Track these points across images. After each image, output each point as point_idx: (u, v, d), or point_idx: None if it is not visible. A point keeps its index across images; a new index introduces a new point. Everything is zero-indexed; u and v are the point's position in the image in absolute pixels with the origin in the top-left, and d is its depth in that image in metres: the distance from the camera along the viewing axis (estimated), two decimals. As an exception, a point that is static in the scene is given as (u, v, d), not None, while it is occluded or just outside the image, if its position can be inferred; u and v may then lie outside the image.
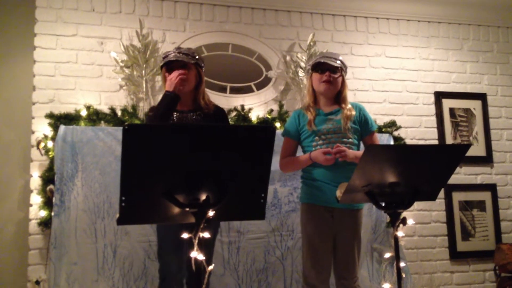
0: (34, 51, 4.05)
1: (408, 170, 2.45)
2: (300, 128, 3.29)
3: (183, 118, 3.05)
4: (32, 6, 4.10)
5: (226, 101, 4.34)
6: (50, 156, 3.82)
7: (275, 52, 4.55)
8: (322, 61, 3.24)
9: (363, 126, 3.28)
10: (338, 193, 2.74)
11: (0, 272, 3.97)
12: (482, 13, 5.11)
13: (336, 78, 3.23)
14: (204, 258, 1.93)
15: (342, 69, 3.28)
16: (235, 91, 4.46)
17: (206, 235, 1.95)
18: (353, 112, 3.24)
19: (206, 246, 1.97)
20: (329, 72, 3.22)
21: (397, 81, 4.83)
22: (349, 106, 3.26)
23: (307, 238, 3.18)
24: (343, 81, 3.30)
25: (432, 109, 4.87)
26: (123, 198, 1.91)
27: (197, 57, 3.13)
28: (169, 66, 3.05)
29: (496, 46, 5.19)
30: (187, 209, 1.96)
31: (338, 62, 3.25)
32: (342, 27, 4.80)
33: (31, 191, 3.86)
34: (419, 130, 4.80)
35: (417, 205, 4.57)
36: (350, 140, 3.19)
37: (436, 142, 4.79)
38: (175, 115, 3.05)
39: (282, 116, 4.33)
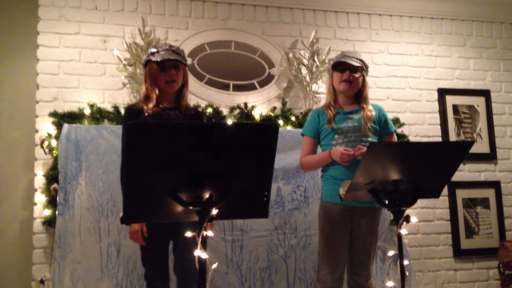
0: (37, 50, 4.05)
1: (411, 168, 2.45)
2: (320, 127, 3.30)
3: (164, 114, 3.05)
4: (35, 4, 4.10)
5: (229, 99, 4.35)
6: (54, 154, 3.83)
7: (278, 50, 4.55)
8: (343, 60, 3.26)
9: (382, 126, 3.31)
10: (341, 190, 2.74)
11: (5, 271, 3.98)
12: (485, 9, 5.09)
13: (356, 78, 3.26)
14: (207, 257, 1.93)
15: (362, 69, 3.29)
16: (238, 88, 4.46)
17: (209, 233, 1.96)
18: (374, 113, 3.27)
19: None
20: (349, 71, 3.24)
21: (400, 78, 4.83)
22: (370, 106, 3.28)
23: (324, 236, 3.19)
24: (364, 81, 3.32)
25: (435, 106, 4.86)
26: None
27: (185, 57, 3.16)
28: (161, 64, 3.02)
29: (500, 42, 5.17)
30: (191, 207, 1.96)
31: (359, 61, 3.27)
32: (345, 24, 4.79)
33: (35, 190, 3.87)
34: (422, 127, 4.79)
35: (420, 202, 4.56)
36: (369, 139, 3.20)
37: (439, 139, 4.78)
38: (158, 112, 3.04)
39: (285, 114, 4.33)
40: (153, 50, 3.07)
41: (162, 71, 3.03)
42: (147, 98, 3.06)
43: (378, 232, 3.26)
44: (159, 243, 3.00)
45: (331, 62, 3.35)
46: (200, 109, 3.98)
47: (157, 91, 3.04)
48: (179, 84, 3.09)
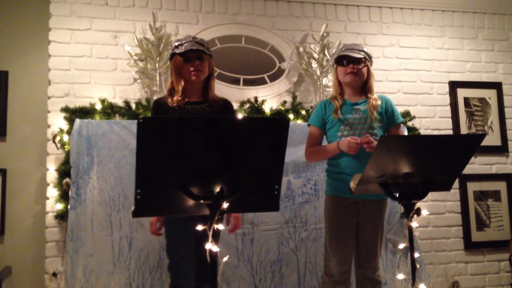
0: (49, 46, 4.08)
1: (422, 161, 2.44)
2: (326, 117, 3.30)
3: (192, 109, 3.05)
4: (47, 0, 4.13)
5: (239, 93, 4.35)
6: (66, 149, 3.86)
7: (288, 44, 4.54)
8: (345, 54, 3.26)
9: (389, 117, 3.29)
10: (352, 184, 2.74)
11: (19, 264, 4.03)
12: (497, 1, 5.06)
13: (360, 69, 3.25)
14: (218, 250, 1.94)
15: (366, 60, 3.28)
16: (249, 83, 4.47)
17: (221, 227, 1.97)
18: (378, 102, 3.26)
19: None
20: (352, 64, 3.23)
21: (411, 71, 4.81)
22: (375, 96, 3.28)
23: (330, 229, 3.20)
24: (369, 71, 3.31)
25: (446, 98, 4.84)
26: (138, 191, 1.93)
27: (209, 48, 3.15)
28: (185, 55, 3.03)
29: (512, 34, 5.14)
30: (202, 201, 1.97)
31: (362, 53, 3.26)
32: (356, 17, 4.78)
33: (48, 185, 3.91)
34: (433, 120, 4.77)
35: (431, 195, 4.56)
36: (375, 131, 3.19)
37: (450, 132, 4.77)
38: (184, 107, 3.04)
39: (295, 108, 4.33)
40: (177, 43, 3.07)
41: (186, 62, 3.02)
42: (172, 91, 3.07)
43: (384, 224, 3.25)
44: (183, 230, 2.96)
45: (334, 56, 3.36)
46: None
47: (183, 83, 3.03)
48: (204, 74, 3.07)
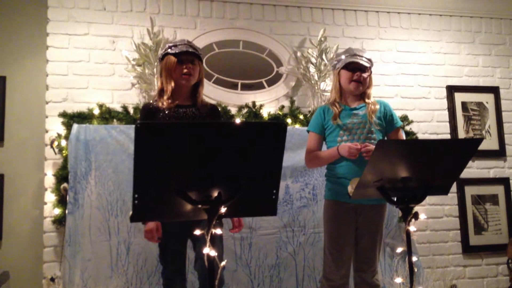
0: (47, 51, 4.08)
1: (420, 165, 2.44)
2: (325, 123, 3.29)
3: (183, 112, 3.03)
4: (44, 6, 4.14)
5: (237, 98, 4.36)
6: (64, 154, 3.86)
7: (286, 48, 4.55)
8: (354, 60, 3.23)
9: (388, 122, 3.29)
10: (350, 188, 2.74)
11: (16, 269, 4.01)
12: (494, 5, 5.08)
13: (365, 78, 3.25)
14: (216, 254, 1.94)
15: (370, 68, 3.29)
16: (246, 87, 4.47)
17: (218, 231, 1.97)
18: (377, 106, 3.25)
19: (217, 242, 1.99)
20: (360, 72, 3.23)
21: (409, 76, 4.82)
22: (373, 100, 3.28)
23: (329, 234, 3.19)
24: (370, 79, 3.31)
25: (444, 103, 4.85)
26: (136, 195, 1.93)
27: (201, 54, 3.17)
28: (179, 56, 3.04)
29: (509, 38, 5.15)
30: (200, 206, 1.97)
31: (368, 61, 3.26)
32: (353, 22, 4.79)
33: (45, 189, 3.91)
34: (431, 124, 4.78)
35: (429, 199, 4.56)
36: (375, 135, 3.19)
37: (448, 136, 4.78)
38: (174, 110, 3.02)
39: (293, 112, 4.34)
40: (171, 44, 3.09)
41: (179, 64, 3.03)
42: (161, 92, 3.05)
43: (383, 229, 3.25)
44: (177, 242, 2.99)
45: (340, 60, 3.31)
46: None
47: (173, 84, 3.02)
48: (195, 78, 3.08)
